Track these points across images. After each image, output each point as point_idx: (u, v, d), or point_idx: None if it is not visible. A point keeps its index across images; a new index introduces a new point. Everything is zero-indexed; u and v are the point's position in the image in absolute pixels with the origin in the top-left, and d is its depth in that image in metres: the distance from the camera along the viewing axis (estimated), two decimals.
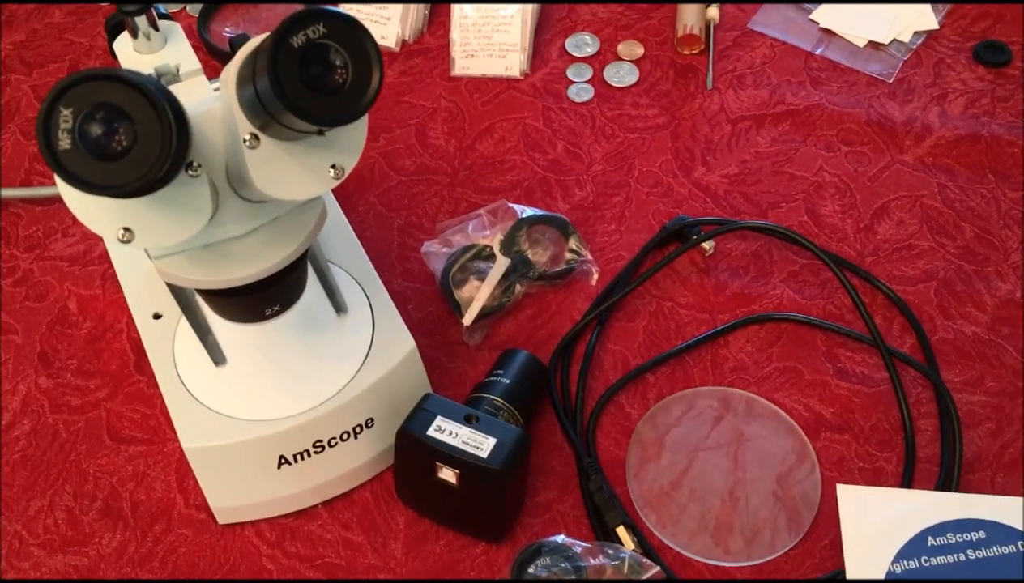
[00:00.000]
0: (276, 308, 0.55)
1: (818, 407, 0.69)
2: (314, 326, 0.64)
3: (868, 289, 0.75)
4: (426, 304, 0.75)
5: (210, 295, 0.54)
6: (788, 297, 0.74)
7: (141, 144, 0.38)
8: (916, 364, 0.69)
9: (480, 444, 0.59)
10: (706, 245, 0.75)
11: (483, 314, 0.72)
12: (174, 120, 0.38)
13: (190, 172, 0.44)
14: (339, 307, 0.65)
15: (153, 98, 0.38)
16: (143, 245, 0.44)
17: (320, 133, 0.44)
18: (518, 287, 0.73)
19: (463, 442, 0.59)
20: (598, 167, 0.82)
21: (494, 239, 0.74)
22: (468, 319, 0.71)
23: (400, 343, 0.64)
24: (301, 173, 0.46)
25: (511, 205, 0.77)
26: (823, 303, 0.74)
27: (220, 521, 0.64)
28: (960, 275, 0.75)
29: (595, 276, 0.75)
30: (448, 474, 0.60)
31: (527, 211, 0.76)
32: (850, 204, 0.79)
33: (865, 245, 0.77)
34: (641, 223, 0.79)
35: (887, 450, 0.67)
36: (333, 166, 0.46)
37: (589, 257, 0.75)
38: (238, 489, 0.62)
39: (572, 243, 0.76)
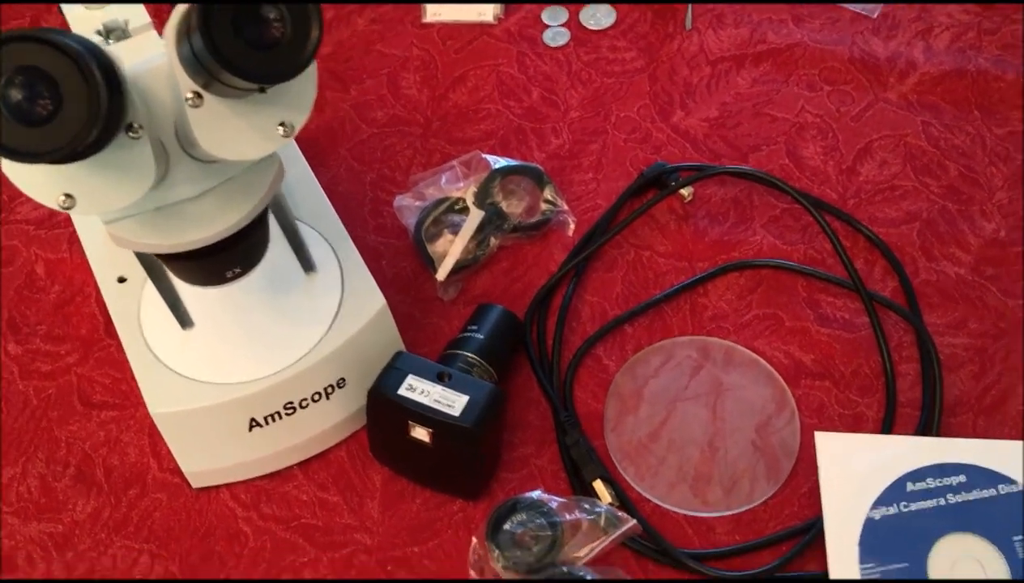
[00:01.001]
0: (237, 270, 0.54)
1: (798, 354, 0.68)
2: (282, 286, 0.63)
3: (850, 232, 0.73)
4: (400, 259, 0.73)
5: (168, 258, 0.53)
6: (768, 243, 0.73)
7: (68, 107, 0.37)
8: (897, 307, 0.68)
9: (452, 402, 0.58)
10: (684, 192, 0.74)
11: (457, 268, 0.71)
12: (104, 81, 0.37)
13: (131, 134, 0.43)
14: (308, 266, 0.64)
15: (78, 58, 0.36)
16: (85, 212, 0.43)
17: (262, 90, 0.43)
18: (493, 240, 0.72)
19: (435, 401, 0.58)
20: (574, 114, 0.80)
21: (467, 191, 0.73)
22: (442, 274, 0.70)
23: (370, 301, 0.62)
24: (248, 131, 0.44)
25: (484, 156, 0.75)
26: (804, 248, 0.73)
27: (194, 485, 0.63)
28: (944, 215, 0.74)
29: (571, 227, 0.74)
30: (421, 433, 0.59)
31: (500, 162, 0.74)
32: (832, 145, 0.78)
33: (847, 187, 0.75)
34: (619, 170, 0.77)
35: (868, 396, 0.66)
36: (282, 124, 0.44)
37: (565, 207, 0.74)
38: (210, 453, 0.61)
39: (547, 193, 0.74)
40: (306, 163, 0.69)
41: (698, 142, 0.78)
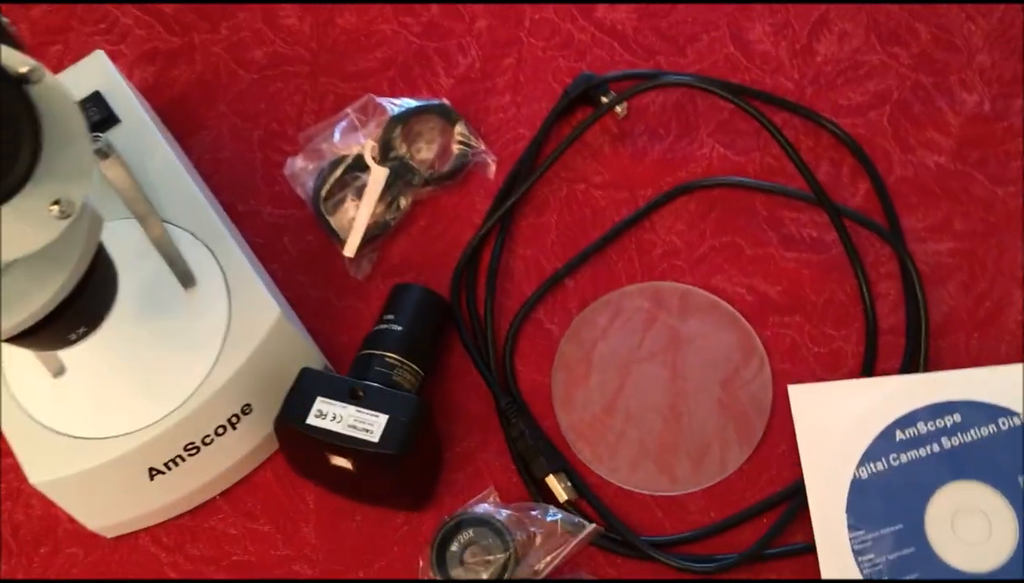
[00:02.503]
0: (82, 331, 0.45)
1: (763, 287, 0.60)
2: (159, 309, 0.54)
3: (812, 129, 0.63)
4: (304, 233, 0.64)
5: None
6: (719, 155, 0.63)
7: None
8: (868, 222, 0.59)
9: (370, 425, 0.51)
10: (618, 107, 0.63)
11: (368, 238, 0.61)
12: None
13: None
14: (186, 279, 0.55)
15: None
16: None
17: None
18: (403, 200, 0.62)
19: (350, 427, 0.51)
20: (481, 23, 0.69)
21: (366, 147, 0.63)
22: (350, 249, 0.61)
23: (263, 312, 0.54)
24: (15, 225, 0.34)
25: (380, 100, 0.64)
26: (760, 156, 0.63)
27: (108, 536, 0.57)
28: (917, 92, 0.64)
29: (492, 167, 0.64)
30: (342, 461, 0.52)
31: (397, 105, 0.64)
32: (783, 21, 0.67)
33: (804, 72, 0.65)
34: (540, 88, 0.66)
35: (845, 327, 0.58)
36: (56, 202, 0.34)
37: (482, 146, 0.64)
38: (112, 508, 0.54)
39: (459, 130, 0.64)
40: (168, 149, 0.58)
41: (627, 39, 0.67)
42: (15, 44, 0.36)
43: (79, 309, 0.42)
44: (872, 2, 0.66)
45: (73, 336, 0.45)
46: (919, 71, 0.64)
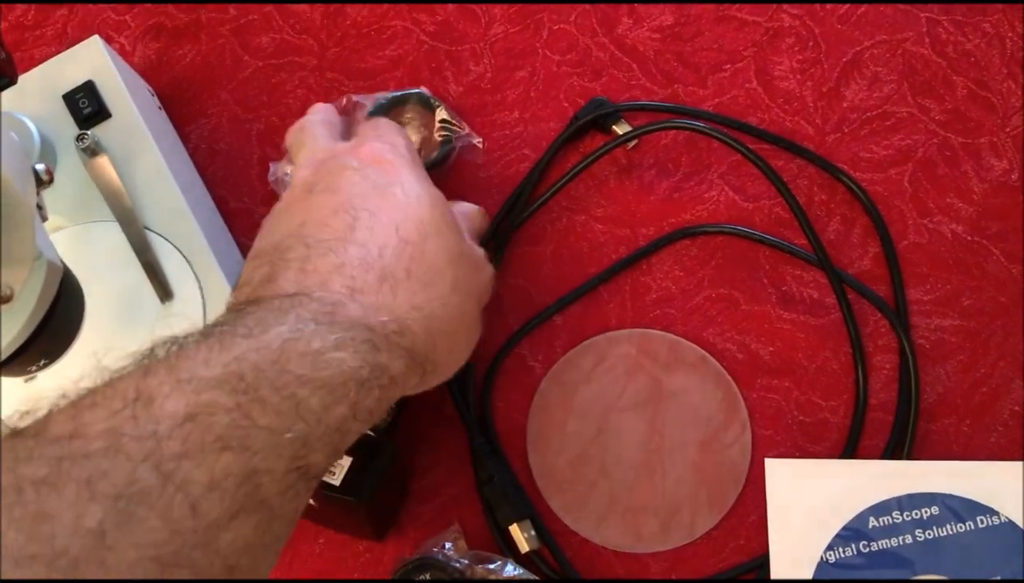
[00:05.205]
0: (43, 363, 0.44)
1: (755, 346, 0.58)
2: (134, 322, 0.53)
3: (828, 181, 0.61)
4: None
5: None
6: (727, 199, 0.61)
7: None
8: (868, 293, 0.57)
9: (333, 467, 0.50)
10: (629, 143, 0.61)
11: None
12: None
13: None
14: (164, 293, 0.54)
15: None
16: None
17: None
18: None
19: None
20: (498, 28, 0.66)
21: None
22: None
23: None
24: None
25: (356, 97, 0.62)
26: (769, 205, 0.60)
27: None
28: (944, 152, 0.60)
29: (481, 150, 0.62)
30: None
31: (370, 100, 0.62)
32: (812, 59, 0.63)
33: (827, 117, 0.62)
34: (551, 107, 0.64)
35: (834, 397, 0.57)
36: None
37: (466, 129, 0.62)
38: None
39: (440, 116, 0.61)
40: (157, 152, 0.56)
41: (647, 62, 0.64)
42: None
43: (37, 348, 0.42)
44: None
45: (33, 368, 0.44)
46: (949, 129, 0.61)
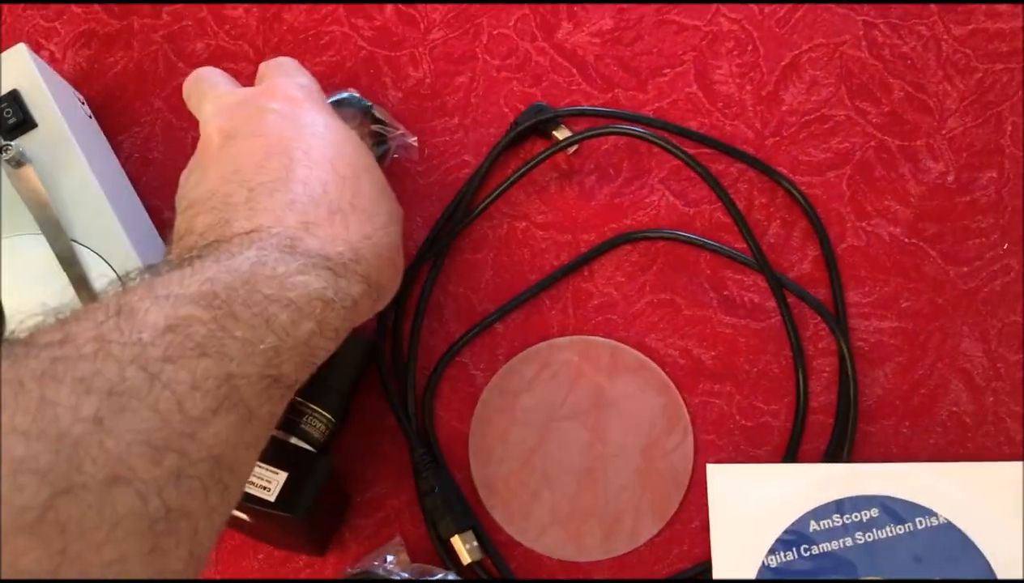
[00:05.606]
0: None
1: (697, 351, 0.58)
2: None
3: (768, 184, 0.61)
4: None
5: None
6: (667, 204, 0.61)
7: None
8: (807, 297, 0.57)
9: (268, 482, 0.49)
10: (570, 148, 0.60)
11: None
12: None
13: None
14: (91, 303, 0.52)
15: None
16: None
17: None
18: None
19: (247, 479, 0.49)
20: (438, 33, 0.65)
21: None
22: None
23: None
24: None
25: None
26: (710, 210, 0.60)
27: None
28: (881, 154, 0.61)
29: (416, 148, 0.61)
30: (238, 512, 0.50)
31: None
32: (751, 62, 0.63)
33: (766, 121, 0.62)
34: (491, 113, 0.63)
35: (775, 401, 0.57)
36: None
37: (400, 129, 0.61)
38: None
39: (373, 116, 0.60)
40: (84, 162, 0.55)
41: (587, 66, 0.64)
42: None
43: None
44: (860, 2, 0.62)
45: None
46: (886, 131, 0.61)
